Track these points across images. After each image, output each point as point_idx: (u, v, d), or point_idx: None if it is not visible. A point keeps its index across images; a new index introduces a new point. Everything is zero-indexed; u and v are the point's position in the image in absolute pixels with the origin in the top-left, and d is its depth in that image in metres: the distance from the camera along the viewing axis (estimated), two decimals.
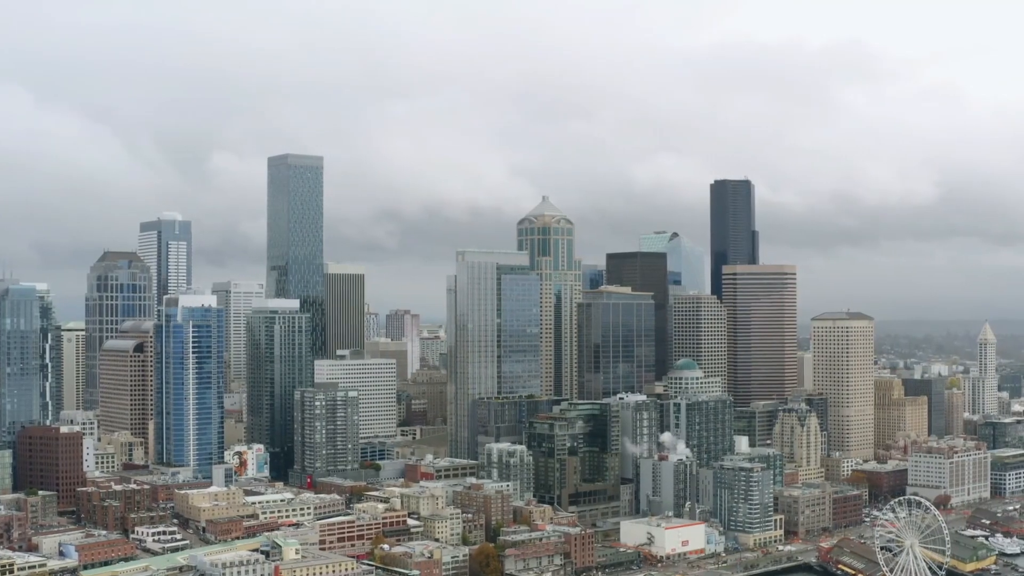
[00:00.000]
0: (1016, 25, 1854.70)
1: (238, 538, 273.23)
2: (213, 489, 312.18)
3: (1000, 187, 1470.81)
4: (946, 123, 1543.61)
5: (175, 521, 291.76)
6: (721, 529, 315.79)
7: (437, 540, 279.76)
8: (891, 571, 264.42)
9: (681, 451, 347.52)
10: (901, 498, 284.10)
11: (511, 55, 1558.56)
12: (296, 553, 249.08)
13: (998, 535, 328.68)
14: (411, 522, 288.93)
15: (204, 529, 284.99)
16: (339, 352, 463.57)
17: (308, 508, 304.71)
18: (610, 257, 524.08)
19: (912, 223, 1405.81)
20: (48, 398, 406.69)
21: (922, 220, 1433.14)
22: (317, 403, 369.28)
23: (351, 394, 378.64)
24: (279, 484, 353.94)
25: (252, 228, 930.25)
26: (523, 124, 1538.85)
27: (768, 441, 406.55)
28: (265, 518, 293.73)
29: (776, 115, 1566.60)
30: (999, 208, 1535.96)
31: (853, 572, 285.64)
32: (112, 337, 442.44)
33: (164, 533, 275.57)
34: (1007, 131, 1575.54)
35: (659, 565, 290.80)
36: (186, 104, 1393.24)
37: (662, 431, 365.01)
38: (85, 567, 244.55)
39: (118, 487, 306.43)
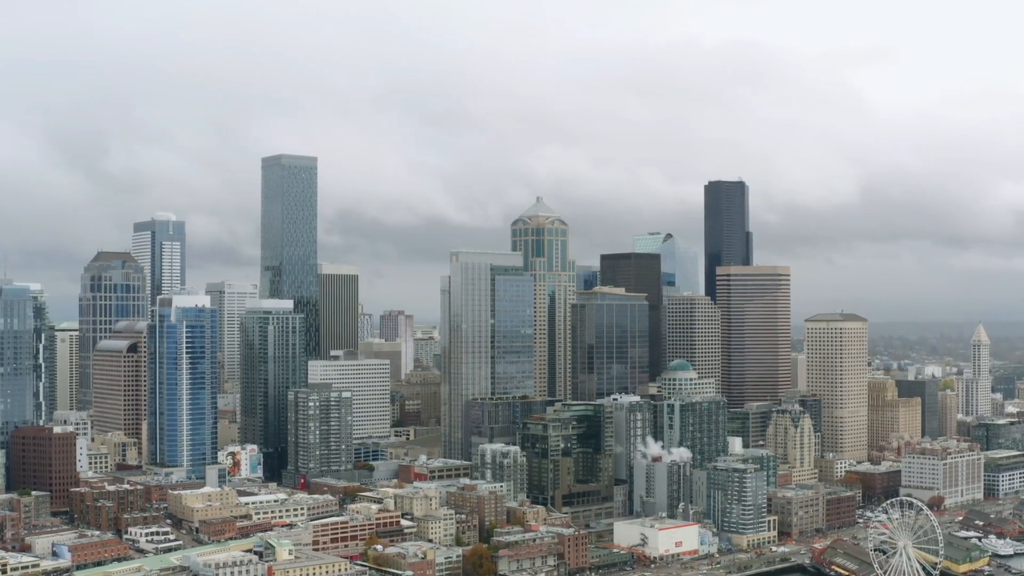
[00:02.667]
0: (916, 27, 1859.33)
1: (231, 539, 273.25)
2: (206, 490, 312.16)
3: (921, 189, 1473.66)
4: (853, 124, 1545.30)
5: (168, 521, 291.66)
6: (715, 530, 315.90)
7: (430, 541, 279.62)
8: (884, 572, 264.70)
9: (676, 453, 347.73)
10: (894, 499, 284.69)
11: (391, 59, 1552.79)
12: (289, 554, 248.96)
13: (991, 536, 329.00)
14: (404, 523, 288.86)
15: (197, 529, 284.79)
16: (333, 353, 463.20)
17: (301, 509, 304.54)
18: (604, 258, 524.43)
19: (847, 224, 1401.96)
20: (41, 398, 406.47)
21: (851, 222, 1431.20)
22: (311, 404, 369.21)
23: (345, 395, 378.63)
24: (272, 485, 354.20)
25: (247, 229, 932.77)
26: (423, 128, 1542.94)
27: (762, 442, 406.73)
28: (258, 519, 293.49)
29: (679, 113, 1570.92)
30: (931, 210, 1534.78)
31: (846, 573, 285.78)
32: (106, 337, 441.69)
33: (157, 533, 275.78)
34: (912, 134, 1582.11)
35: (652, 566, 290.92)
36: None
37: (656, 432, 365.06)
38: (78, 567, 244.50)
39: (111, 487, 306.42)
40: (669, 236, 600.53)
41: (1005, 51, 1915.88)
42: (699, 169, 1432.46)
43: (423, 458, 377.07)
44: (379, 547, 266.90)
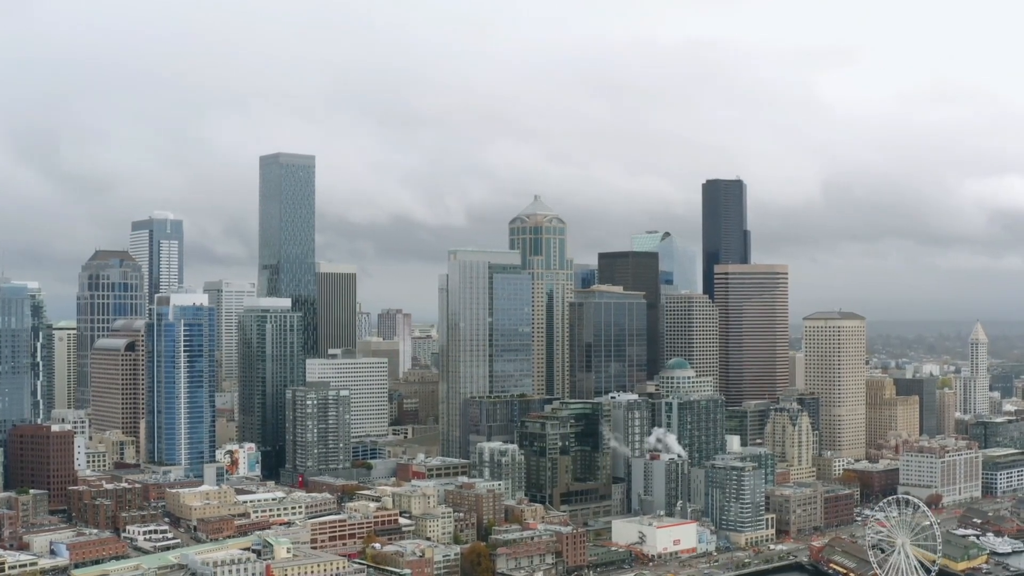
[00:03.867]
0: (874, 27, 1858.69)
1: (229, 537, 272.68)
2: (204, 488, 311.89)
3: (886, 188, 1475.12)
4: (813, 123, 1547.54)
5: (166, 520, 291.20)
6: (713, 528, 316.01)
7: (428, 539, 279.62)
8: (882, 570, 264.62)
9: (674, 448, 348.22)
10: (892, 497, 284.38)
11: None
12: (287, 552, 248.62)
13: (989, 534, 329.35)
14: (403, 521, 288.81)
15: (195, 528, 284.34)
16: (331, 351, 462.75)
17: (299, 507, 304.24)
18: (602, 256, 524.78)
19: (819, 223, 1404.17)
20: (39, 397, 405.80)
21: (824, 220, 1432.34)
22: (308, 402, 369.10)
23: (343, 393, 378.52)
24: (270, 483, 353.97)
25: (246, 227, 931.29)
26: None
27: (760, 440, 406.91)
28: (256, 517, 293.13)
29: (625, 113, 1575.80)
30: (901, 209, 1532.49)
31: (844, 571, 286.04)
32: (103, 336, 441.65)
33: (155, 532, 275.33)
34: (873, 132, 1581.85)
35: (650, 564, 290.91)
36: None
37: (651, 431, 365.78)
38: (76, 566, 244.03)
39: (109, 486, 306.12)
40: (667, 235, 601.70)
41: (961, 50, 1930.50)
42: (658, 165, 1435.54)
43: (421, 456, 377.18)
44: (377, 545, 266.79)
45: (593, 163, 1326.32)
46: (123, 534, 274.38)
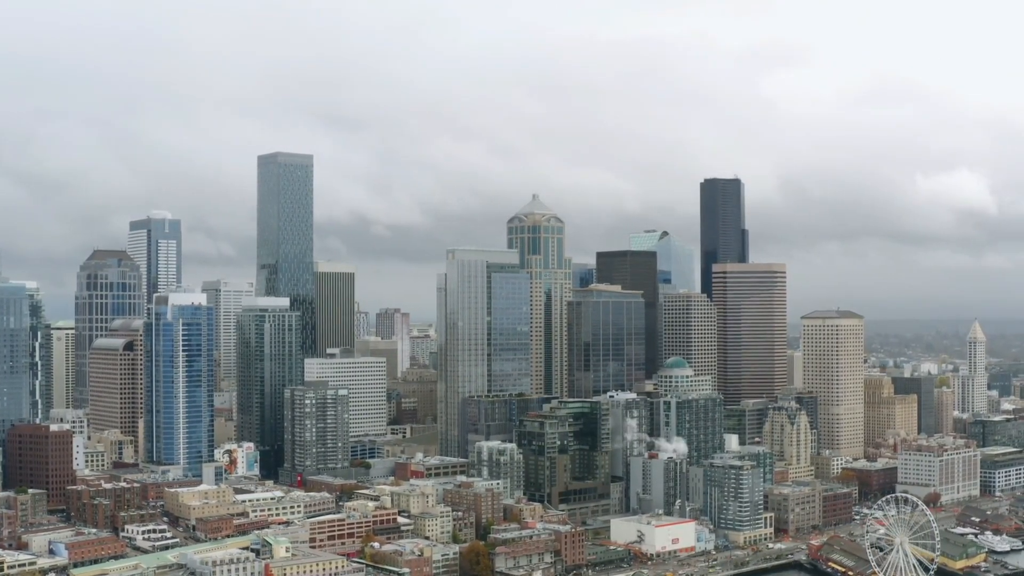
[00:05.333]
0: (820, 26, 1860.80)
1: (228, 536, 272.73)
2: (203, 487, 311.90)
3: (844, 187, 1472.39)
4: (762, 122, 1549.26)
5: (165, 519, 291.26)
6: (711, 527, 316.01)
7: (427, 538, 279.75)
8: (881, 569, 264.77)
9: (673, 446, 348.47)
10: (891, 496, 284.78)
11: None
12: (286, 551, 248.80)
13: (988, 533, 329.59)
14: (401, 520, 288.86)
15: (194, 527, 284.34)
16: (329, 351, 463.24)
17: (298, 506, 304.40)
18: (600, 256, 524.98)
19: (787, 222, 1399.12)
20: (38, 396, 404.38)
21: (792, 219, 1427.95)
22: (307, 401, 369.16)
23: (341, 392, 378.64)
24: (269, 482, 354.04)
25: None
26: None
27: (758, 439, 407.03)
28: (255, 516, 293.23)
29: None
30: (865, 208, 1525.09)
31: (843, 570, 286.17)
32: (102, 336, 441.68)
33: (154, 531, 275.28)
34: (821, 131, 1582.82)
35: (649, 563, 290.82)
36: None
37: (652, 429, 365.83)
38: (75, 565, 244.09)
39: (108, 485, 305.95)
40: (665, 234, 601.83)
41: (901, 49, 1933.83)
42: (602, 159, 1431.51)
43: (420, 456, 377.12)
44: (376, 544, 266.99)
45: (534, 157, 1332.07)
46: (122, 533, 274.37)
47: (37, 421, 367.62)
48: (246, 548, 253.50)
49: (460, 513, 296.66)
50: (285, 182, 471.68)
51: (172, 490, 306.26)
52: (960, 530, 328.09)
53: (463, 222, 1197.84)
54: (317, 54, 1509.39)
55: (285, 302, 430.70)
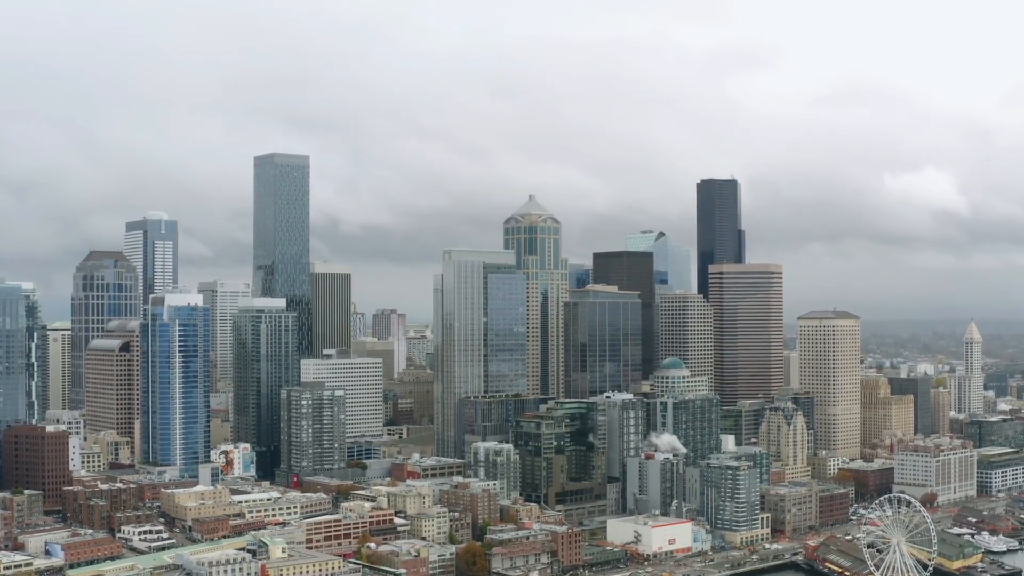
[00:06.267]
0: (785, 27, 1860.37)
1: (224, 537, 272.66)
2: (199, 488, 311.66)
3: (813, 188, 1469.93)
4: (728, 122, 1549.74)
5: (161, 520, 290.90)
6: (708, 527, 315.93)
7: (424, 539, 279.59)
8: (878, 569, 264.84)
9: (668, 444, 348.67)
10: (888, 496, 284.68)
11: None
12: (283, 552, 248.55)
13: (984, 533, 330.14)
14: (398, 521, 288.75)
15: (190, 528, 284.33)
16: (325, 351, 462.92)
17: (295, 507, 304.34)
18: (597, 256, 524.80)
19: (768, 223, 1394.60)
20: (34, 397, 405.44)
21: (764, 221, 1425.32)
22: (303, 402, 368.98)
23: (337, 393, 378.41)
24: (265, 483, 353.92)
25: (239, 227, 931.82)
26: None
27: (755, 440, 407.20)
28: (251, 517, 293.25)
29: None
30: (838, 209, 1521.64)
31: (840, 570, 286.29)
32: (98, 336, 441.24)
33: (150, 532, 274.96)
34: (789, 132, 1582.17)
35: (646, 564, 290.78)
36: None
37: (648, 430, 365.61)
38: (71, 566, 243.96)
39: (104, 486, 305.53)
40: (662, 235, 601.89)
41: (874, 49, 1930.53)
42: (564, 156, 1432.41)
43: (416, 456, 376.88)
44: (372, 545, 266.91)
45: (499, 156, 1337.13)
46: (118, 534, 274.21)
47: (33, 422, 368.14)
48: (242, 549, 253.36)
49: (456, 514, 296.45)
50: (281, 183, 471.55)
51: (168, 491, 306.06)
52: (957, 530, 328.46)
53: (431, 220, 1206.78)
54: (282, 55, 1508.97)
55: (281, 303, 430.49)
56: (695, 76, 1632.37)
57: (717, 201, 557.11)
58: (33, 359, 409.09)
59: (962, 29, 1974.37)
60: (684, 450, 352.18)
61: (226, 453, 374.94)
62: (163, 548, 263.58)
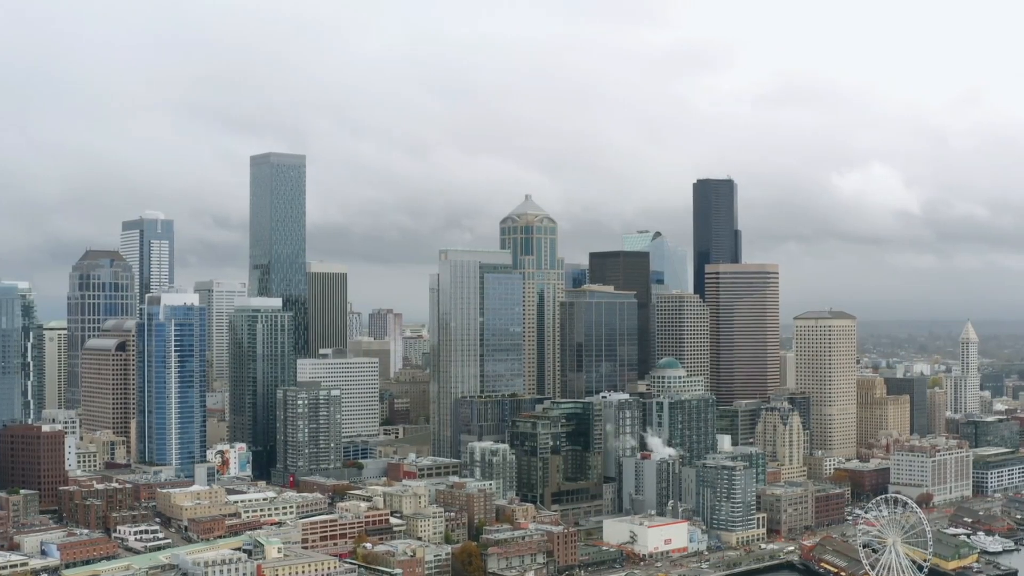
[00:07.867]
0: (730, 27, 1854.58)
1: (220, 537, 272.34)
2: (195, 488, 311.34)
3: (772, 189, 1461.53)
4: (677, 123, 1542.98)
5: (157, 520, 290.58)
6: (704, 527, 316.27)
7: (420, 539, 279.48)
8: (874, 569, 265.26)
9: (663, 448, 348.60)
10: (883, 496, 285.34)
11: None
12: (279, 552, 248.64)
13: (980, 533, 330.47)
14: (394, 521, 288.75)
15: (186, 528, 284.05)
16: (322, 351, 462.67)
17: (290, 507, 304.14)
18: (593, 256, 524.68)
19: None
20: (30, 397, 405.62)
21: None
22: (299, 402, 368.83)
23: (333, 393, 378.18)
24: (261, 483, 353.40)
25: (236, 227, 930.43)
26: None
27: (751, 440, 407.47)
28: (247, 517, 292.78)
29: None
30: (796, 208, 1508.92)
31: (836, 570, 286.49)
32: (94, 336, 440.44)
33: (146, 532, 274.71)
34: (732, 134, 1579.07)
35: (642, 563, 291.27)
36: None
37: (644, 430, 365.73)
38: (67, 566, 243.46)
39: (100, 486, 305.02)
40: (658, 234, 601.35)
41: (821, 48, 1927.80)
42: (501, 150, 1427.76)
43: (412, 456, 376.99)
44: (368, 545, 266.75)
45: (438, 151, 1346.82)
46: (114, 534, 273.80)
47: (29, 421, 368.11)
48: (238, 549, 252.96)
49: (452, 514, 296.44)
50: (277, 182, 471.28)
51: (164, 491, 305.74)
52: (952, 531, 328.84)
53: (378, 217, 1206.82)
54: (219, 54, 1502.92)
55: (277, 302, 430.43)
56: (641, 77, 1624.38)
57: (713, 201, 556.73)
58: (29, 358, 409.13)
59: (908, 26, 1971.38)
60: (673, 451, 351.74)
61: (222, 453, 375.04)
62: (159, 548, 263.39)
